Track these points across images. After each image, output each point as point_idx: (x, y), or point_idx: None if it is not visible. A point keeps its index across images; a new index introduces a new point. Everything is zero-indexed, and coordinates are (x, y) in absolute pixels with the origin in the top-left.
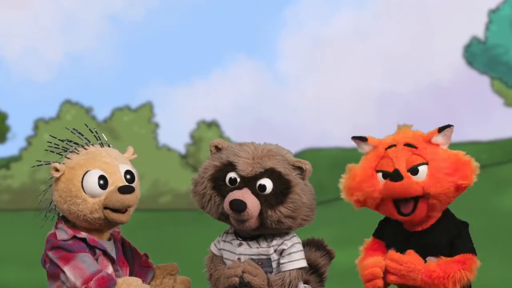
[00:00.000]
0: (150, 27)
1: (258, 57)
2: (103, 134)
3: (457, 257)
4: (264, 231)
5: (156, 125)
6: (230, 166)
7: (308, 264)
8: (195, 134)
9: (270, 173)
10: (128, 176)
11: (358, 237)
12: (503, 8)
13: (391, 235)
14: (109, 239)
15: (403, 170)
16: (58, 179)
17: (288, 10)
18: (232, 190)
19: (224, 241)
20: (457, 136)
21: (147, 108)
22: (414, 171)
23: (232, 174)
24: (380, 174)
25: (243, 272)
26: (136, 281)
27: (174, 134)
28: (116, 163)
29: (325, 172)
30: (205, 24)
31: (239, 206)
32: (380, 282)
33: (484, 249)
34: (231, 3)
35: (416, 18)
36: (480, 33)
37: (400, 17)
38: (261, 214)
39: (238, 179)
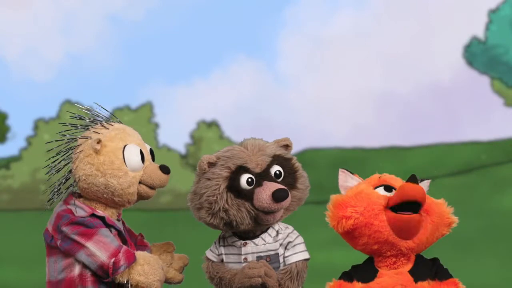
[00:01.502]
0: (150, 27)
1: (258, 57)
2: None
3: (446, 281)
4: (280, 219)
5: (156, 125)
6: (242, 169)
7: None
8: (195, 134)
9: (276, 159)
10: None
11: None
12: (503, 8)
13: (364, 279)
14: (117, 220)
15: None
16: (96, 152)
17: (288, 10)
18: (253, 190)
19: (224, 245)
20: (457, 136)
21: (147, 108)
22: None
23: (246, 176)
24: (381, 188)
25: (265, 274)
26: (153, 258)
27: (174, 134)
28: (143, 142)
29: (325, 172)
30: (205, 24)
31: (283, 193)
32: None
33: (484, 249)
34: (231, 3)
35: (416, 18)
36: (480, 33)
37: (400, 17)
38: None
39: (254, 178)
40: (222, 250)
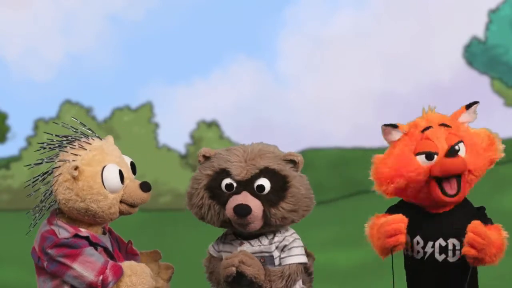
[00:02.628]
0: (150, 27)
1: (258, 57)
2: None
3: (489, 226)
4: (267, 230)
5: (156, 125)
6: (224, 172)
7: None
8: (195, 134)
9: (265, 172)
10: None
11: (358, 237)
12: (503, 8)
13: (411, 220)
14: (103, 233)
15: (445, 149)
16: (74, 177)
17: (288, 10)
18: (230, 196)
19: (224, 242)
20: None
21: (147, 108)
22: (455, 148)
23: (227, 180)
24: (422, 156)
25: (239, 262)
26: (140, 267)
27: (174, 134)
28: (123, 156)
29: (325, 172)
30: (205, 24)
31: (244, 210)
32: (402, 238)
33: None
34: (231, 3)
35: (416, 18)
36: (480, 33)
37: (400, 17)
38: (264, 214)
39: (235, 184)
40: (221, 247)
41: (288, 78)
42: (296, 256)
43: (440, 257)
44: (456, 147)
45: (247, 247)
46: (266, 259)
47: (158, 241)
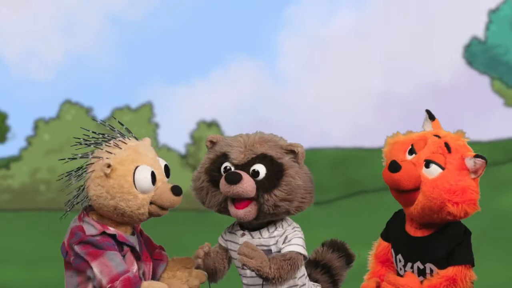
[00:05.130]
0: (150, 27)
1: (258, 57)
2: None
3: (449, 273)
4: (263, 219)
5: (156, 125)
6: (224, 156)
7: (321, 264)
8: (195, 134)
9: (261, 158)
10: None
11: (358, 237)
12: (503, 8)
13: (395, 238)
14: (132, 233)
15: (421, 157)
16: (106, 174)
17: (288, 10)
18: None
19: (230, 232)
20: None
21: (147, 108)
22: (427, 164)
23: (226, 164)
24: (409, 149)
25: (239, 254)
26: (160, 286)
27: (174, 134)
28: (157, 158)
29: (325, 172)
30: (205, 24)
31: (234, 176)
32: None
33: (484, 249)
34: (231, 3)
35: (416, 18)
36: (480, 33)
37: (400, 17)
38: (257, 199)
39: (232, 168)
40: (228, 236)
41: (288, 78)
42: (295, 245)
43: (419, 278)
44: (434, 165)
45: (248, 239)
46: (265, 253)
47: (158, 241)
